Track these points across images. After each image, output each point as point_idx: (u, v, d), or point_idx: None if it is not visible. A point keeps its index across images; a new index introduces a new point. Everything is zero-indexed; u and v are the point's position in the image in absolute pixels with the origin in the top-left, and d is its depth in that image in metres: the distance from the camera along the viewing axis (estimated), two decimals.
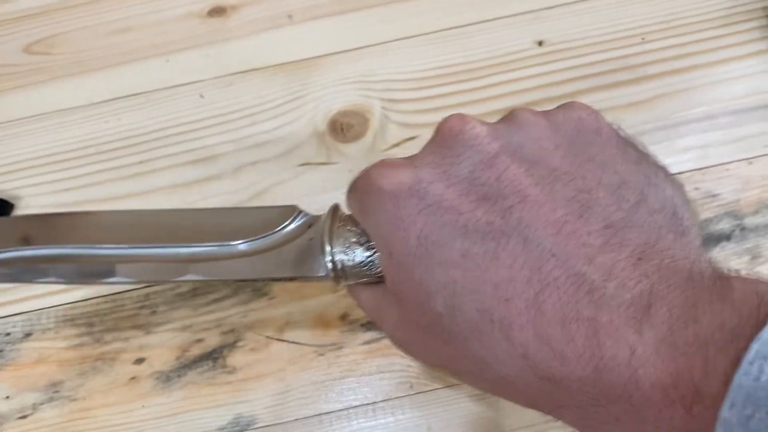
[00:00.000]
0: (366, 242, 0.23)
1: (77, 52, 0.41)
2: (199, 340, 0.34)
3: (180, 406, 0.33)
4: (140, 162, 0.38)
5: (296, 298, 0.35)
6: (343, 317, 0.35)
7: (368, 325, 0.34)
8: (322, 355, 0.34)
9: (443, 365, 0.22)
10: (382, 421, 0.33)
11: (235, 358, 0.34)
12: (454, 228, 0.19)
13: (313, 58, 0.40)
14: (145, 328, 0.35)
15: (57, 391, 0.34)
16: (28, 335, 0.35)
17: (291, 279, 0.25)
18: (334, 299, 0.35)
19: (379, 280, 0.23)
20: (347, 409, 0.33)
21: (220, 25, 0.41)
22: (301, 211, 0.26)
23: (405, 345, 0.23)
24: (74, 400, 0.34)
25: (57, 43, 0.42)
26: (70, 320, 0.35)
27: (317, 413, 0.33)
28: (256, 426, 0.33)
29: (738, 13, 0.39)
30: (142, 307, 0.35)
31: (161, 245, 0.25)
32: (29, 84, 0.41)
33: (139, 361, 0.34)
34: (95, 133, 0.39)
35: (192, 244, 0.25)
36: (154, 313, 0.35)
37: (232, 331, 0.35)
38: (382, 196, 0.21)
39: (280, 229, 0.25)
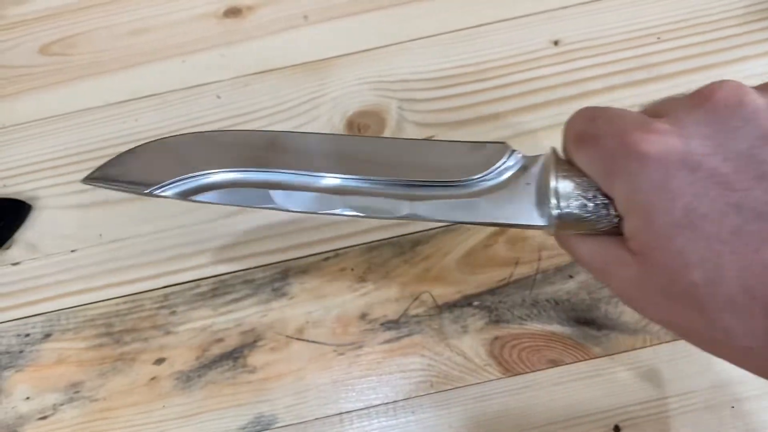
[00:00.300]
0: (593, 196, 0.23)
1: (93, 53, 0.41)
2: (219, 340, 0.34)
3: (201, 406, 0.33)
4: None
5: (315, 297, 0.35)
6: (363, 316, 0.35)
7: (388, 324, 0.34)
8: (342, 354, 0.34)
9: (678, 327, 0.22)
10: (403, 420, 0.33)
11: (256, 358, 0.34)
12: (726, 204, 0.19)
13: (329, 58, 0.40)
14: (165, 328, 0.35)
15: (77, 392, 0.34)
16: (47, 336, 0.35)
17: (509, 225, 0.24)
18: (354, 298, 0.35)
19: (598, 233, 0.23)
20: (368, 408, 0.33)
21: (236, 25, 0.42)
22: (512, 150, 0.25)
23: (636, 303, 0.23)
24: (95, 400, 0.34)
25: (73, 44, 0.42)
26: (90, 321, 0.35)
27: (338, 412, 0.33)
28: (276, 425, 0.33)
29: (753, 12, 0.39)
30: (161, 307, 0.35)
31: (385, 179, 0.25)
32: (46, 85, 0.41)
33: (160, 361, 0.34)
34: (113, 134, 0.39)
35: (414, 180, 0.25)
36: (173, 313, 0.35)
37: (252, 330, 0.35)
38: (646, 162, 0.20)
39: (497, 169, 0.25)
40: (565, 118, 0.37)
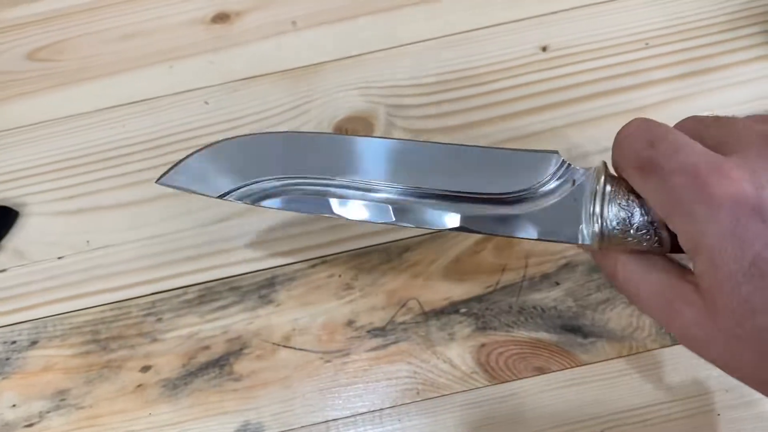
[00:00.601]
0: (640, 218, 0.23)
1: (81, 58, 0.41)
2: (206, 348, 0.34)
3: (187, 414, 0.33)
4: (145, 169, 0.38)
5: (302, 304, 0.35)
6: (350, 323, 0.35)
7: (374, 331, 0.34)
8: (328, 361, 0.34)
9: (738, 369, 0.22)
10: (389, 427, 0.33)
11: (242, 365, 0.34)
12: None
13: (317, 64, 0.40)
14: (151, 335, 0.35)
15: (63, 399, 0.34)
16: (34, 343, 0.35)
17: (553, 241, 0.24)
18: (341, 305, 0.35)
19: (641, 251, 0.23)
20: (354, 415, 0.33)
21: (224, 31, 0.41)
22: (562, 160, 0.25)
23: (700, 345, 0.22)
24: (81, 408, 0.34)
25: (61, 49, 0.42)
26: (76, 328, 0.35)
27: (324, 420, 0.33)
28: None
29: (741, 18, 0.39)
30: (147, 315, 0.35)
31: (437, 190, 0.26)
32: (34, 91, 0.41)
33: (146, 368, 0.34)
34: (100, 140, 0.39)
35: (464, 192, 0.25)
36: (160, 320, 0.35)
37: (238, 338, 0.34)
38: (717, 206, 0.20)
39: (545, 181, 0.25)
40: (554, 123, 0.38)
